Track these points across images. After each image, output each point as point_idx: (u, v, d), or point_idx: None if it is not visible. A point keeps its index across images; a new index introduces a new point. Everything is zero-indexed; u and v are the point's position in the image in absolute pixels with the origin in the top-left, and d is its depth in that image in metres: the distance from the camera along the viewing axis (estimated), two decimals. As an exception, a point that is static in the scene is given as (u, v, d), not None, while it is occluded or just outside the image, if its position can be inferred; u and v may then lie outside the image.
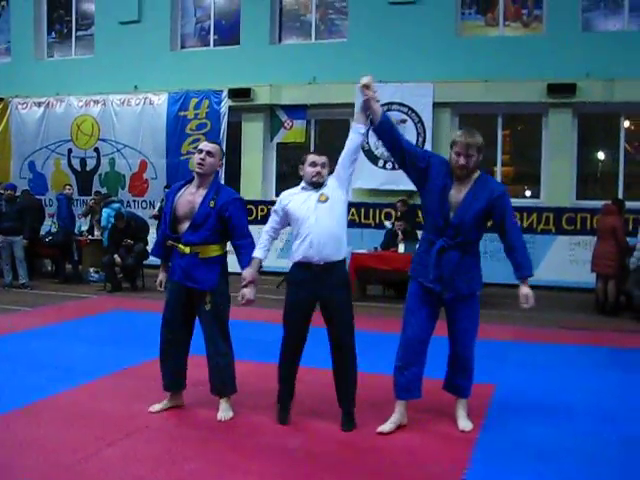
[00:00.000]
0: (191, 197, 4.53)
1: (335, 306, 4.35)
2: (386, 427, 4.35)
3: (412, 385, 4.41)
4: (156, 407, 4.70)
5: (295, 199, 4.41)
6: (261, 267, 4.51)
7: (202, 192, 4.54)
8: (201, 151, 4.57)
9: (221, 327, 4.58)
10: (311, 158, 4.37)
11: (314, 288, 4.30)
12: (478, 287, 4.40)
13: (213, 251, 4.54)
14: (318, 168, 4.33)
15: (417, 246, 4.69)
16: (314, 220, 4.27)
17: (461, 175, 4.24)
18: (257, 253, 4.48)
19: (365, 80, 4.31)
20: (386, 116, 4.36)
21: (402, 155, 4.35)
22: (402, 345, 4.40)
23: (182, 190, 4.62)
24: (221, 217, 4.49)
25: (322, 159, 4.36)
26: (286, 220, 4.48)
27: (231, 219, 4.51)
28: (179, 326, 4.63)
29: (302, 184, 4.45)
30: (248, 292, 4.44)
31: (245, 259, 4.50)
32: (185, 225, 4.51)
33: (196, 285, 4.50)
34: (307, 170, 4.37)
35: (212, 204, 4.48)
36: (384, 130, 4.32)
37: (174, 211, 4.54)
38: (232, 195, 4.62)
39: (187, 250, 4.48)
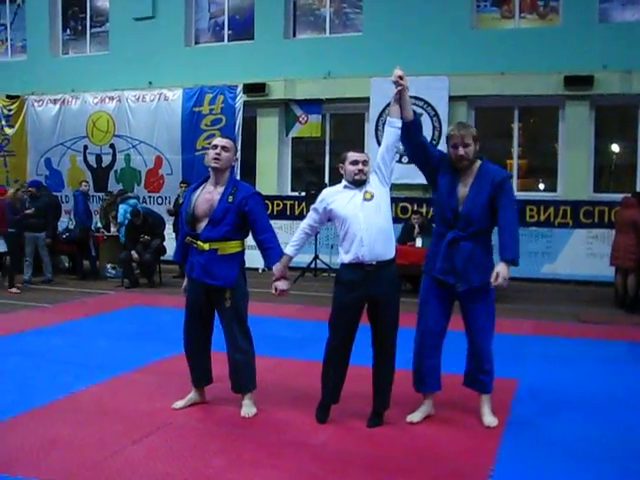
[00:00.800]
0: (209, 195, 4.52)
1: (385, 305, 4.30)
2: (415, 416, 4.42)
3: (429, 378, 4.44)
4: (179, 404, 4.72)
5: (339, 198, 4.32)
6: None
7: (220, 189, 4.54)
8: (216, 146, 4.56)
9: (241, 323, 4.59)
10: (352, 156, 4.30)
11: (366, 288, 4.23)
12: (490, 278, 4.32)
13: (232, 247, 4.53)
14: (360, 166, 4.26)
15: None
16: (363, 219, 4.19)
17: (462, 167, 4.29)
18: (289, 250, 4.46)
19: (399, 71, 4.35)
20: (417, 113, 4.42)
21: (424, 154, 4.40)
22: (417, 339, 4.45)
23: (199, 189, 4.61)
24: (240, 212, 4.48)
25: (363, 156, 4.31)
26: (326, 218, 4.44)
27: (251, 213, 4.51)
28: (201, 323, 4.65)
29: (344, 182, 4.37)
30: (281, 284, 4.43)
31: (271, 254, 4.48)
32: (204, 223, 4.50)
33: (216, 282, 4.49)
34: (349, 168, 4.30)
35: (231, 199, 4.48)
36: (415, 126, 4.34)
37: (193, 210, 4.53)
38: (250, 190, 4.63)
39: (206, 246, 4.47)
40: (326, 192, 4.46)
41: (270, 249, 4.51)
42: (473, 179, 4.28)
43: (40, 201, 11.54)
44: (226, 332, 4.60)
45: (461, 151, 4.23)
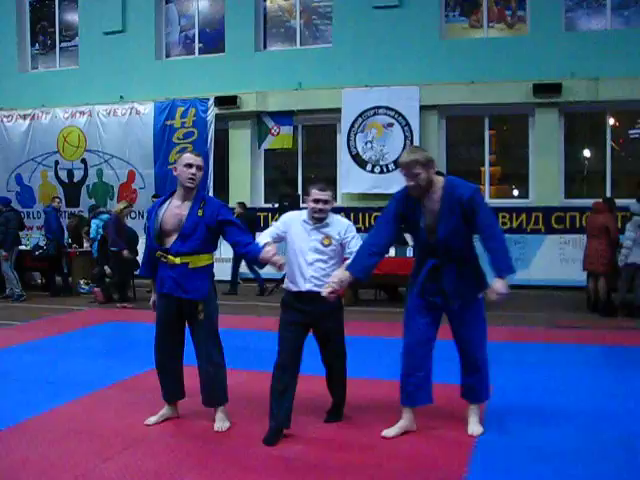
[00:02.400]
0: (177, 210, 4.50)
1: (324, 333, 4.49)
2: (391, 431, 4.32)
3: (419, 392, 4.34)
4: (152, 419, 4.67)
5: (297, 230, 4.47)
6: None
7: (188, 204, 4.52)
8: (191, 165, 4.50)
9: (214, 336, 4.57)
10: (314, 194, 4.40)
11: (308, 314, 4.41)
12: (483, 288, 4.28)
13: (203, 260, 4.53)
14: (320, 205, 4.38)
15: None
16: (311, 260, 4.39)
17: (418, 195, 4.17)
18: (263, 239, 4.49)
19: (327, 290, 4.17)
20: (352, 269, 4.20)
21: (397, 231, 4.38)
22: (404, 352, 4.35)
23: (166, 204, 4.58)
24: (211, 225, 4.47)
25: (325, 196, 4.39)
26: (279, 239, 4.56)
27: (226, 221, 4.51)
28: (172, 338, 4.61)
29: (305, 216, 4.49)
30: (278, 258, 4.35)
31: (256, 245, 4.45)
32: (173, 238, 4.48)
33: (188, 295, 4.47)
34: (310, 205, 4.43)
35: (200, 213, 4.47)
36: (369, 269, 4.23)
37: (160, 225, 4.51)
38: (218, 202, 4.65)
39: (177, 260, 4.45)
40: (289, 216, 4.61)
41: (254, 243, 4.51)
42: (440, 204, 4.13)
43: (1, 217, 11.34)
44: (198, 346, 4.57)
45: (410, 181, 4.14)
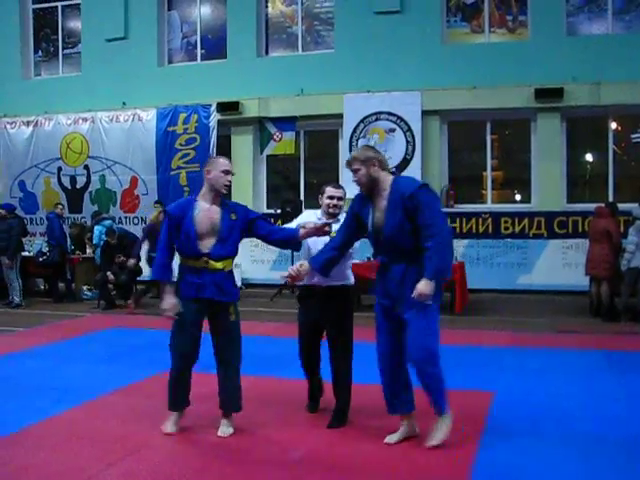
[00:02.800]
0: (209, 213, 4.47)
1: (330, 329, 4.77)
2: (393, 438, 4.31)
3: (397, 401, 4.33)
4: (169, 428, 4.57)
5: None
6: None
7: (217, 208, 4.51)
8: (228, 172, 4.54)
9: (239, 341, 4.58)
10: (329, 191, 4.77)
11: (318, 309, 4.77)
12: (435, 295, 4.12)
13: (232, 264, 4.63)
14: (335, 201, 4.75)
15: None
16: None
17: (366, 192, 4.29)
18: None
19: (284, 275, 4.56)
20: (312, 261, 4.47)
21: (355, 230, 4.43)
22: (378, 363, 4.36)
23: (197, 208, 4.49)
24: (244, 227, 4.56)
25: (339, 192, 4.77)
26: None
27: (256, 217, 4.65)
28: (197, 344, 4.54)
29: (320, 212, 4.82)
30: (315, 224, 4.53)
31: (290, 228, 4.72)
32: (207, 242, 4.45)
33: (227, 298, 4.50)
34: (325, 201, 4.79)
35: (234, 217, 4.51)
36: (325, 263, 4.43)
37: (197, 228, 4.44)
38: (238, 203, 4.75)
39: (219, 265, 4.46)
40: (304, 215, 5.01)
41: (284, 229, 4.79)
42: (387, 201, 4.16)
43: (5, 223, 11.39)
44: (226, 350, 4.52)
45: (353, 177, 4.29)
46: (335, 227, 4.56)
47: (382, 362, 4.32)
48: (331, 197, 4.73)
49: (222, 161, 4.61)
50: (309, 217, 4.81)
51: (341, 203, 4.76)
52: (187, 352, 4.53)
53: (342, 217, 4.65)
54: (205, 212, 4.48)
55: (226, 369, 4.55)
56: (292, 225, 4.85)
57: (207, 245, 4.44)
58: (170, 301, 4.49)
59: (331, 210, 4.72)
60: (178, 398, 4.63)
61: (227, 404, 4.59)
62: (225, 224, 4.48)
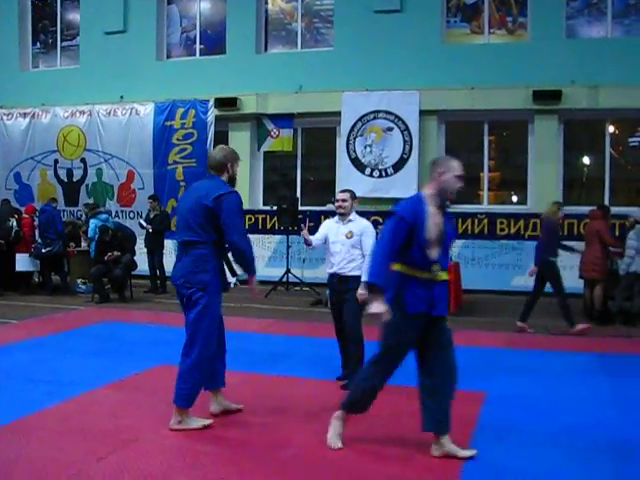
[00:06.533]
0: (437, 219, 4.11)
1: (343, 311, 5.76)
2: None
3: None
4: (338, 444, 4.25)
5: (332, 226, 5.88)
6: None
7: (440, 214, 4.16)
8: (461, 178, 4.15)
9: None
10: (337, 196, 5.90)
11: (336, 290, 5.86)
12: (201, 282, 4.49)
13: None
14: (339, 202, 5.82)
15: None
16: (338, 249, 5.73)
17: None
18: (317, 239, 6.02)
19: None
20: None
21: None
22: None
23: (427, 212, 4.11)
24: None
25: (343, 196, 5.85)
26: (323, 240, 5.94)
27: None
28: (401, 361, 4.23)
29: (337, 217, 5.89)
30: None
31: None
32: (435, 250, 4.10)
33: (440, 312, 4.15)
34: (336, 204, 5.88)
35: (452, 225, 4.31)
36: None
37: (428, 236, 4.09)
38: None
39: (445, 276, 4.18)
40: (326, 222, 6.06)
41: None
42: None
43: None
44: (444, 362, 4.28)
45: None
46: (349, 227, 5.65)
47: None
48: (338, 200, 5.81)
49: (457, 165, 4.18)
50: (329, 222, 5.93)
51: (345, 204, 5.74)
52: (395, 370, 4.22)
53: (354, 218, 5.73)
54: (434, 218, 4.11)
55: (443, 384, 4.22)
56: (318, 236, 5.89)
57: (434, 254, 4.10)
58: (383, 307, 4.01)
59: (338, 210, 5.80)
60: (367, 406, 4.31)
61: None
62: (449, 232, 4.20)
